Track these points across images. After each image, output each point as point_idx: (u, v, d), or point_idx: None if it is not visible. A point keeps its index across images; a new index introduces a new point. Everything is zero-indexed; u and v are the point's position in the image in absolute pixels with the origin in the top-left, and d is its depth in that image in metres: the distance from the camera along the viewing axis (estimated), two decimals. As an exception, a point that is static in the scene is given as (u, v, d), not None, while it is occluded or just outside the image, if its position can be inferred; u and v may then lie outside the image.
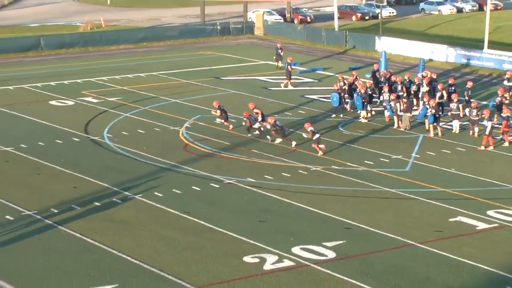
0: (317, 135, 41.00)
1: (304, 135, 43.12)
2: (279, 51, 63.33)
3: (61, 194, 35.06)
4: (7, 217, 32.30)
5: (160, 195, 35.07)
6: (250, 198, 34.89)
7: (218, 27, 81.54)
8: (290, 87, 56.04)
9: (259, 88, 56.46)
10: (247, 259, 28.61)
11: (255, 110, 44.18)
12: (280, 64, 63.06)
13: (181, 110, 50.05)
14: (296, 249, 29.37)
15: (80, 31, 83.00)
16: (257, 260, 28.52)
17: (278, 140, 42.63)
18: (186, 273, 27.44)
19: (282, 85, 56.51)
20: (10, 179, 37.08)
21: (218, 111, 45.39)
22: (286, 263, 28.29)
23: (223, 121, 45.28)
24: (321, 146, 40.95)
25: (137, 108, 50.49)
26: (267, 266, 28.03)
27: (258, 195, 35.27)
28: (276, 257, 28.67)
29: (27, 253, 28.93)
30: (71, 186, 36.17)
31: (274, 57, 63.80)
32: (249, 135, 43.66)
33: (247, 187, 36.28)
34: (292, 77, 56.84)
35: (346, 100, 48.98)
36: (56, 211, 33.01)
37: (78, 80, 59.12)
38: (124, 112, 48.97)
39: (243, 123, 44.56)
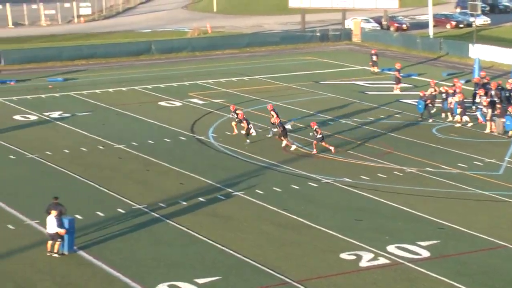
0: (320, 135, 40.81)
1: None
2: (374, 57, 62.72)
3: (169, 189, 35.30)
4: (119, 210, 32.68)
5: (261, 192, 34.98)
6: (346, 197, 34.51)
7: (317, 34, 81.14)
8: (397, 92, 55.36)
9: (356, 92, 55.92)
10: (344, 255, 28.27)
11: (272, 113, 43.60)
12: (376, 69, 62.44)
13: (281, 112, 49.78)
14: (391, 248, 28.88)
15: (188, 36, 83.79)
16: (353, 257, 28.15)
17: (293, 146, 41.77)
18: (286, 268, 27.25)
19: (394, 90, 55.84)
20: (123, 175, 37.52)
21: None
22: (382, 260, 27.84)
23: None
24: (331, 147, 40.54)
25: (241, 109, 50.52)
26: (363, 263, 27.63)
27: (354, 195, 34.86)
28: (372, 255, 28.24)
29: (138, 244, 29.21)
30: (178, 182, 36.39)
31: (370, 63, 63.21)
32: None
33: (344, 186, 35.91)
34: (392, 82, 56.34)
35: (433, 107, 47.98)
36: (164, 205, 33.25)
37: (186, 83, 59.58)
38: (227, 114, 49.07)
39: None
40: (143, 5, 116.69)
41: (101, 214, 32.11)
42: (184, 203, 33.60)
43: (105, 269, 27.09)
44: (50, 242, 27.88)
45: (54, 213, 27.77)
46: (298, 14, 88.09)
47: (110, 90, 56.67)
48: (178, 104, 52.60)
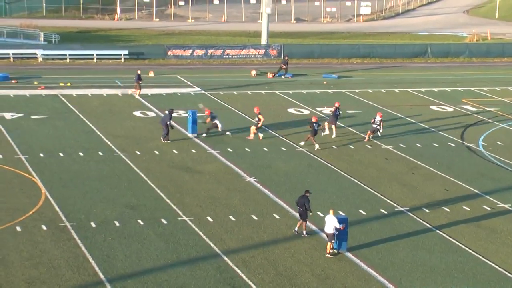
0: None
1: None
2: None
3: (433, 194, 34.90)
4: (382, 210, 32.76)
5: (530, 207, 33.71)
6: None
7: None
8: None
9: None
10: None
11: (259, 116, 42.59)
12: None
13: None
14: None
15: (466, 41, 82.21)
16: None
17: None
18: (549, 288, 26.10)
19: None
20: (388, 175, 37.56)
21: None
22: None
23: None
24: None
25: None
26: None
27: None
28: None
29: (397, 246, 29.14)
30: (443, 188, 35.88)
31: None
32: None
33: None
34: None
35: None
36: (426, 210, 32.92)
37: (459, 88, 58.54)
38: (500, 123, 47.66)
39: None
40: (423, 7, 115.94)
41: (363, 213, 32.35)
42: (447, 209, 33.09)
43: (363, 267, 27.29)
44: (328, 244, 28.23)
45: (332, 212, 28.08)
46: None
47: (383, 90, 56.85)
48: (450, 109, 51.81)
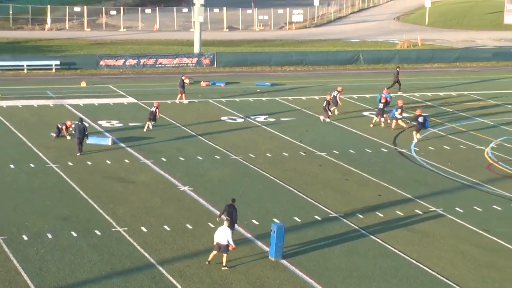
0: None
1: None
2: None
3: (367, 200, 35.23)
4: (316, 217, 32.95)
5: (461, 210, 34.23)
6: (551, 223, 33.15)
7: (532, 52, 78.63)
8: None
9: None
10: (544, 284, 27.19)
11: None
12: None
13: (488, 130, 48.64)
14: None
15: (397, 48, 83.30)
16: (554, 285, 27.02)
17: None
18: (481, 290, 26.56)
19: None
20: (322, 182, 37.79)
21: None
22: None
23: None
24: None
25: (445, 125, 49.73)
26: None
27: (560, 221, 33.41)
28: None
29: (332, 252, 29.33)
30: (377, 193, 36.24)
31: None
32: None
33: (550, 212, 34.51)
34: None
35: None
36: (360, 216, 33.21)
37: (392, 94, 59.07)
38: (431, 128, 48.33)
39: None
40: (355, 14, 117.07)
41: (298, 220, 32.49)
42: (381, 215, 33.43)
43: (298, 274, 27.40)
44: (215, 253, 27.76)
45: (227, 223, 27.96)
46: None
47: (316, 97, 57.20)
48: (381, 115, 52.27)
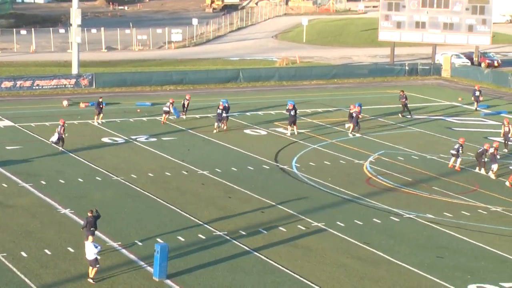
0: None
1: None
2: (477, 93, 62.35)
3: (250, 217, 35.49)
4: (200, 235, 32.97)
5: (342, 224, 34.88)
6: (428, 234, 34.13)
7: (406, 68, 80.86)
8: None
9: (443, 128, 55.45)
10: (423, 293, 27.95)
11: None
12: (476, 106, 62.43)
13: (366, 144, 49.79)
14: (472, 287, 28.42)
15: (276, 65, 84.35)
16: (433, 294, 27.82)
17: None
18: (363, 302, 27.09)
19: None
20: (205, 200, 37.87)
21: None
22: (462, 300, 27.43)
23: None
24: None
25: (324, 140, 50.62)
26: (443, 301, 27.27)
27: (437, 231, 34.46)
28: (452, 293, 27.87)
29: (216, 270, 29.40)
30: (259, 210, 36.56)
31: (473, 98, 62.82)
32: None
33: (426, 222, 35.54)
34: (481, 120, 56.16)
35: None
36: (244, 233, 33.42)
37: (272, 112, 59.91)
38: (312, 144, 49.14)
39: None
40: (233, 33, 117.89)
41: (182, 239, 32.45)
42: (264, 231, 33.73)
43: (183, 293, 27.35)
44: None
45: (91, 238, 28.13)
46: (387, 47, 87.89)
47: (197, 116, 57.29)
48: (263, 132, 52.90)
